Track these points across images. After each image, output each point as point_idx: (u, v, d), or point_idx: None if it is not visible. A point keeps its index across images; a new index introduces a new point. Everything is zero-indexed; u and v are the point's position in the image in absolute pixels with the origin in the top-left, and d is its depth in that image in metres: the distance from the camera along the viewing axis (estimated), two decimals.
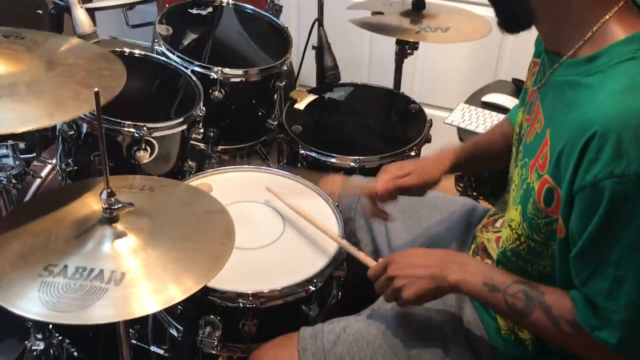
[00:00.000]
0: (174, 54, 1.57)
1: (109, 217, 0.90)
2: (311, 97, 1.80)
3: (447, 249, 1.01)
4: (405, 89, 1.98)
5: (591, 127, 0.74)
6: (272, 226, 1.24)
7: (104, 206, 0.89)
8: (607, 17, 0.79)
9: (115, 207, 0.89)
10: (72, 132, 1.32)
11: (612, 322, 0.79)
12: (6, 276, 0.82)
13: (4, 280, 0.82)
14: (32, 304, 0.80)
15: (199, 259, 0.91)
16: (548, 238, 0.87)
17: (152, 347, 1.26)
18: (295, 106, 1.76)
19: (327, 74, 1.78)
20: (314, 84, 1.88)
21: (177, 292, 0.84)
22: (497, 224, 1.12)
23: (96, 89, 0.81)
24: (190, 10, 1.83)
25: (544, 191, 0.84)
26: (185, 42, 1.75)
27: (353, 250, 1.12)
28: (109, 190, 0.88)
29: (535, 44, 1.05)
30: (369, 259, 1.09)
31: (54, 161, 1.52)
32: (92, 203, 0.98)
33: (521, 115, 1.02)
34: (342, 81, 1.83)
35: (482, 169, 1.26)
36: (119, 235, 0.90)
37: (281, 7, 2.02)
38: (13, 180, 1.23)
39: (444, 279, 0.94)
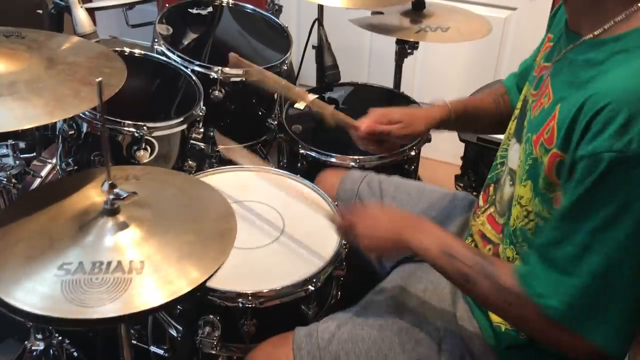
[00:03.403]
0: (174, 53, 1.57)
1: (111, 209, 0.89)
2: (311, 97, 1.80)
3: (410, 213, 1.04)
4: (405, 88, 1.98)
5: (604, 99, 0.74)
6: (272, 226, 1.24)
7: (109, 197, 0.89)
8: (638, 5, 0.79)
9: (121, 197, 0.89)
10: (72, 132, 1.32)
11: (564, 288, 0.79)
12: (23, 281, 0.81)
13: (24, 286, 0.80)
14: (59, 304, 0.79)
15: (209, 238, 0.92)
16: None
17: (151, 347, 1.26)
18: (295, 106, 1.76)
19: (327, 74, 1.78)
20: (314, 84, 1.88)
21: (201, 270, 0.85)
22: (480, 203, 1.12)
23: (99, 79, 0.81)
24: (190, 10, 1.83)
25: (555, 165, 0.83)
26: (185, 42, 1.75)
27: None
28: (110, 182, 0.88)
29: (549, 19, 1.04)
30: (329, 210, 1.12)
31: (54, 160, 1.52)
32: (88, 196, 0.97)
33: (525, 89, 1.02)
34: (342, 81, 1.83)
35: (469, 131, 1.29)
36: (122, 225, 0.89)
37: (281, 6, 2.02)
38: (13, 180, 1.22)
39: (402, 241, 0.97)
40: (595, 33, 0.83)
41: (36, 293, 0.80)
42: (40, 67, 1.05)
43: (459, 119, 1.19)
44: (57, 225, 0.91)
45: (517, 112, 1.05)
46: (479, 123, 1.24)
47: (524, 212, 0.92)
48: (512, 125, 1.06)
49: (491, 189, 1.09)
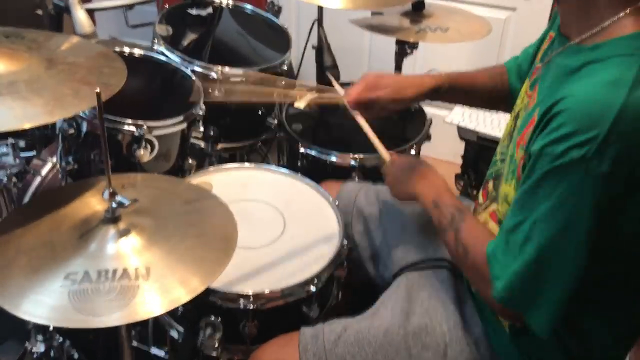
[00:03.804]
0: (173, 53, 1.57)
1: (112, 217, 0.90)
2: (311, 96, 1.80)
3: (432, 168, 1.13)
4: None
5: (563, 105, 0.77)
6: (273, 226, 1.24)
7: (111, 205, 0.89)
8: (628, 10, 0.80)
9: (124, 205, 0.89)
10: (73, 131, 1.31)
11: (507, 270, 0.85)
12: (29, 293, 0.81)
13: (31, 299, 0.80)
14: (68, 314, 0.79)
15: (212, 242, 0.93)
16: None
17: (152, 348, 1.26)
18: (295, 105, 1.76)
19: (327, 74, 1.77)
20: (313, 84, 1.88)
21: (207, 273, 0.86)
22: (480, 200, 1.12)
23: (98, 90, 0.81)
24: (190, 11, 1.82)
25: (522, 165, 0.88)
26: (185, 43, 1.75)
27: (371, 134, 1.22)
28: (111, 190, 0.88)
29: (554, 14, 1.05)
30: (383, 151, 1.22)
31: (54, 159, 1.52)
32: (87, 205, 0.97)
33: (525, 86, 1.03)
34: (341, 81, 1.82)
35: (460, 103, 1.36)
36: (124, 233, 0.89)
37: (281, 7, 2.02)
38: (13, 179, 1.22)
39: (412, 193, 1.10)
40: (582, 38, 0.84)
41: (44, 304, 0.79)
42: (40, 67, 1.05)
43: (450, 89, 1.22)
44: (59, 235, 0.91)
45: (515, 109, 1.05)
46: (470, 96, 1.27)
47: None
48: (512, 123, 1.06)
49: (490, 185, 1.09)
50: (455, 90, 1.23)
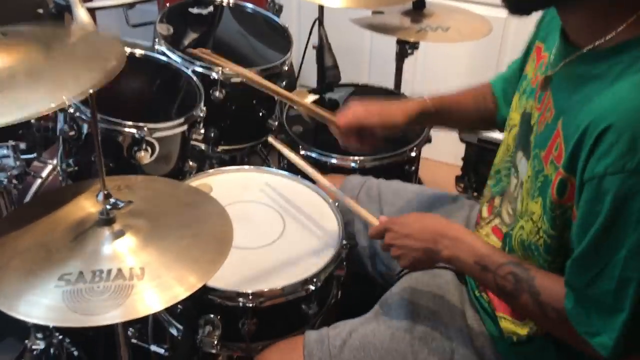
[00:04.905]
0: (174, 53, 1.57)
1: (107, 218, 0.90)
2: (312, 97, 1.80)
3: (442, 219, 1.02)
4: (405, 89, 1.98)
5: (607, 118, 0.73)
6: (272, 226, 1.25)
7: (106, 207, 0.89)
8: (635, 17, 0.78)
9: (119, 207, 0.90)
10: (73, 133, 1.32)
11: (612, 324, 0.78)
12: (24, 294, 0.82)
13: (26, 299, 0.81)
14: (63, 314, 0.80)
15: (207, 242, 0.94)
16: (563, 230, 0.85)
17: (152, 346, 1.26)
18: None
19: (328, 74, 1.78)
20: (314, 84, 1.88)
21: (200, 273, 0.87)
22: (485, 214, 1.11)
23: (91, 90, 0.81)
24: (190, 10, 1.82)
25: (557, 183, 0.82)
26: (186, 42, 1.75)
27: (356, 206, 1.15)
28: (106, 192, 0.89)
29: (537, 26, 1.03)
30: (370, 217, 1.12)
31: (54, 161, 1.52)
32: (81, 207, 0.98)
33: (524, 101, 1.00)
34: (342, 81, 1.82)
35: (446, 126, 1.32)
36: (119, 234, 0.90)
37: (281, 6, 2.02)
38: (14, 181, 1.22)
39: (437, 253, 0.97)
40: (596, 44, 0.81)
41: (39, 305, 0.80)
42: (38, 56, 1.02)
43: (436, 113, 1.19)
44: (53, 236, 0.91)
45: (516, 123, 1.03)
46: (456, 117, 1.24)
47: (535, 228, 0.90)
48: (508, 137, 1.05)
49: (497, 201, 1.08)
50: (441, 114, 1.19)
